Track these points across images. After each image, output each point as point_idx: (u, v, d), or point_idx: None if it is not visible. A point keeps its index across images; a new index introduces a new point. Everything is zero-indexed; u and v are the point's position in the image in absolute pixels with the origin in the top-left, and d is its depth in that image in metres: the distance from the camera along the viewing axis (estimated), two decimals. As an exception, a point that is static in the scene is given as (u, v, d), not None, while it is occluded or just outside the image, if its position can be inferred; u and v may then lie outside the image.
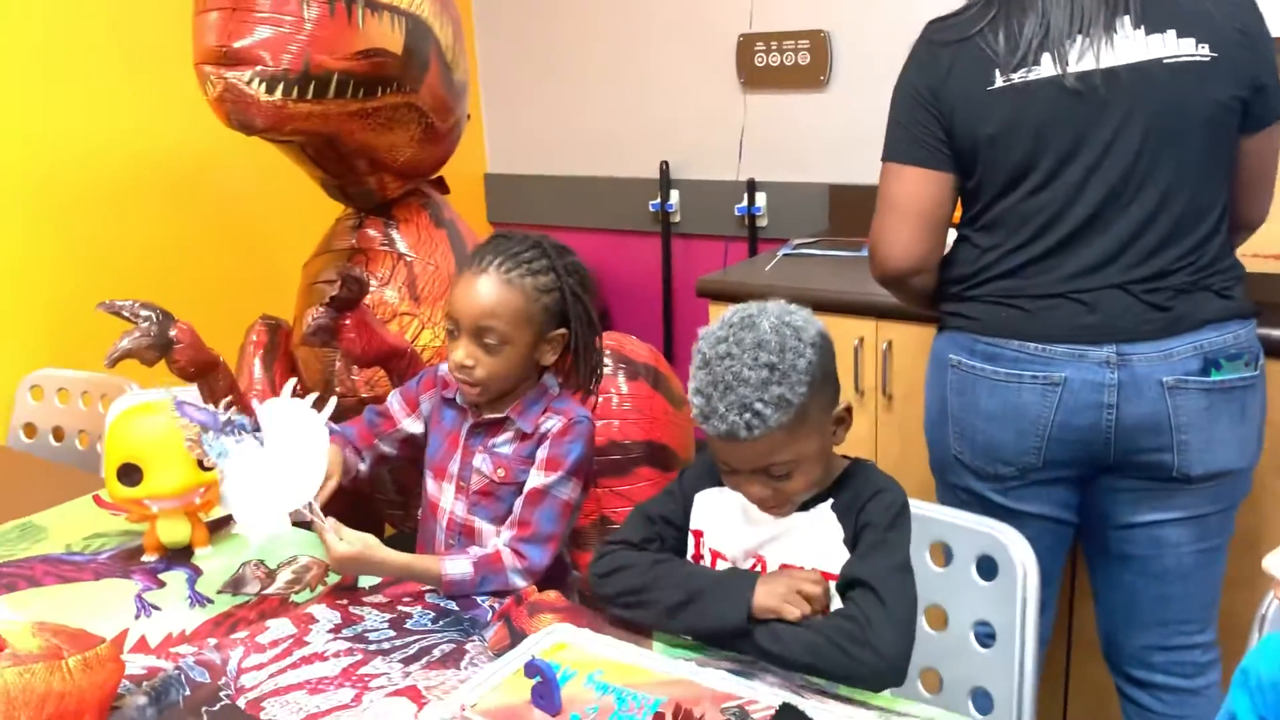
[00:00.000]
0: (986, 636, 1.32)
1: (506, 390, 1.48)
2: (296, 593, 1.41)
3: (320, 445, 1.31)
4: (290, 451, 1.32)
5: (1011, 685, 1.28)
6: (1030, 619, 1.27)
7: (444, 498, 1.53)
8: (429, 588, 1.38)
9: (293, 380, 1.46)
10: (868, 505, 1.20)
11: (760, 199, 2.93)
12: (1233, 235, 1.51)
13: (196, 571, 1.47)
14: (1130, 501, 1.50)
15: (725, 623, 1.16)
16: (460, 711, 1.01)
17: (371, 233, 1.83)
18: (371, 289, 1.77)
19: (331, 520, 1.33)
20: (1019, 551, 1.28)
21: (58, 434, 2.19)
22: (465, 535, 1.51)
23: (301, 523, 1.41)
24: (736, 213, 2.97)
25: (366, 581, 1.42)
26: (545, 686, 1.02)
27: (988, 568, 1.32)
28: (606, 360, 1.90)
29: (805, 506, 1.23)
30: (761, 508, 1.22)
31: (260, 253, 2.59)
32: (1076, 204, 1.43)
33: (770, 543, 1.25)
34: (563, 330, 1.48)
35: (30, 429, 2.22)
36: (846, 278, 2.26)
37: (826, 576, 1.21)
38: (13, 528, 1.62)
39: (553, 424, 1.46)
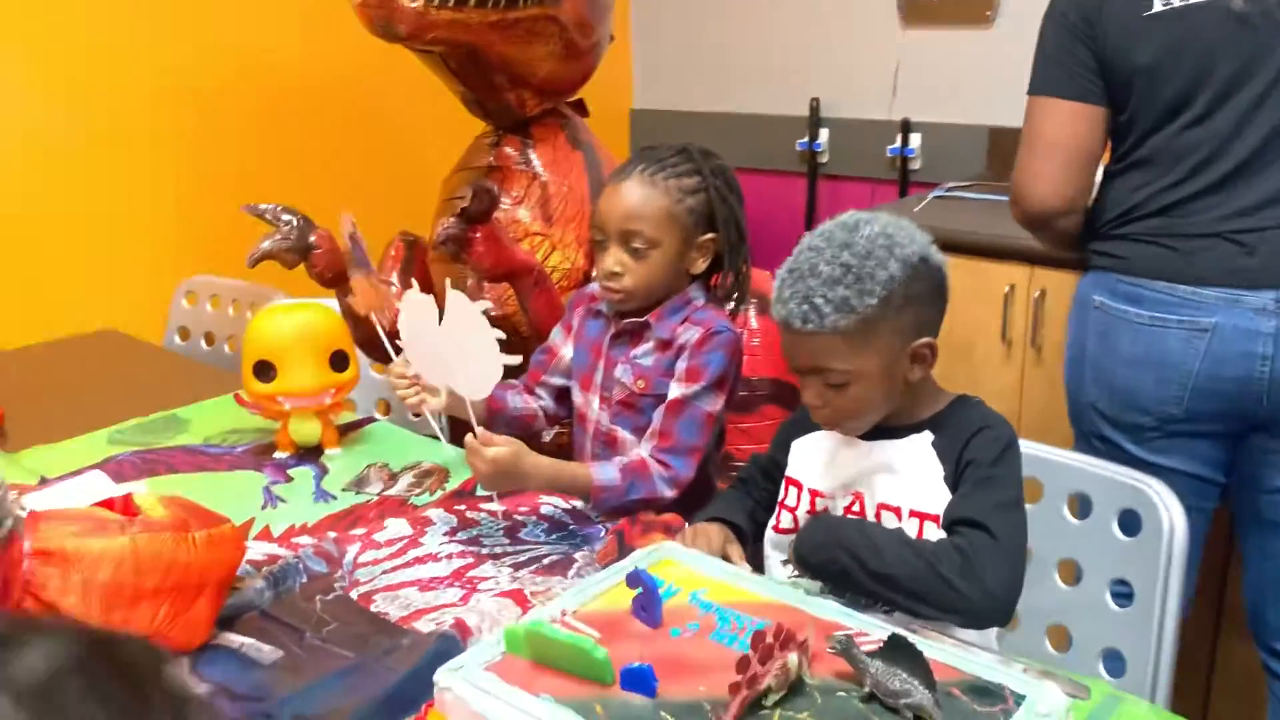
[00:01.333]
0: (1123, 597, 1.24)
1: (656, 299, 1.45)
2: (417, 495, 1.43)
3: (491, 345, 1.26)
4: (462, 340, 1.29)
5: (1148, 650, 1.20)
6: (1175, 581, 1.19)
7: (590, 408, 1.53)
8: (546, 499, 1.38)
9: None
10: (971, 442, 1.13)
11: (914, 140, 2.82)
12: None
13: (323, 469, 1.52)
14: None
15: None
16: (561, 616, 1.00)
17: (509, 151, 1.83)
18: (505, 207, 1.77)
19: (481, 430, 1.30)
20: (1166, 506, 1.19)
21: (209, 338, 2.29)
22: (609, 445, 1.50)
23: (430, 434, 1.44)
24: (888, 154, 2.86)
25: (484, 490, 1.43)
26: (647, 598, 1.00)
27: (1129, 523, 1.24)
28: None
29: (900, 436, 1.18)
30: (814, 416, 1.18)
31: (402, 169, 2.65)
32: (1239, 138, 1.32)
33: (865, 477, 1.20)
34: (711, 235, 1.45)
35: (184, 332, 2.33)
36: (1001, 222, 2.15)
37: (922, 516, 1.15)
38: (159, 419, 1.71)
39: (691, 334, 1.43)
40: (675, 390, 1.42)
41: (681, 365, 1.42)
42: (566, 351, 1.58)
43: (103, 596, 0.98)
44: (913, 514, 1.17)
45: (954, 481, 1.15)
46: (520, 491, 1.40)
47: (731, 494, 1.33)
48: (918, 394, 1.19)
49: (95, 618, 0.99)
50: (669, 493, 1.37)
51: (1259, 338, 1.32)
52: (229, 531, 1.10)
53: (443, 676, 0.92)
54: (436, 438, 1.48)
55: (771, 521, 1.28)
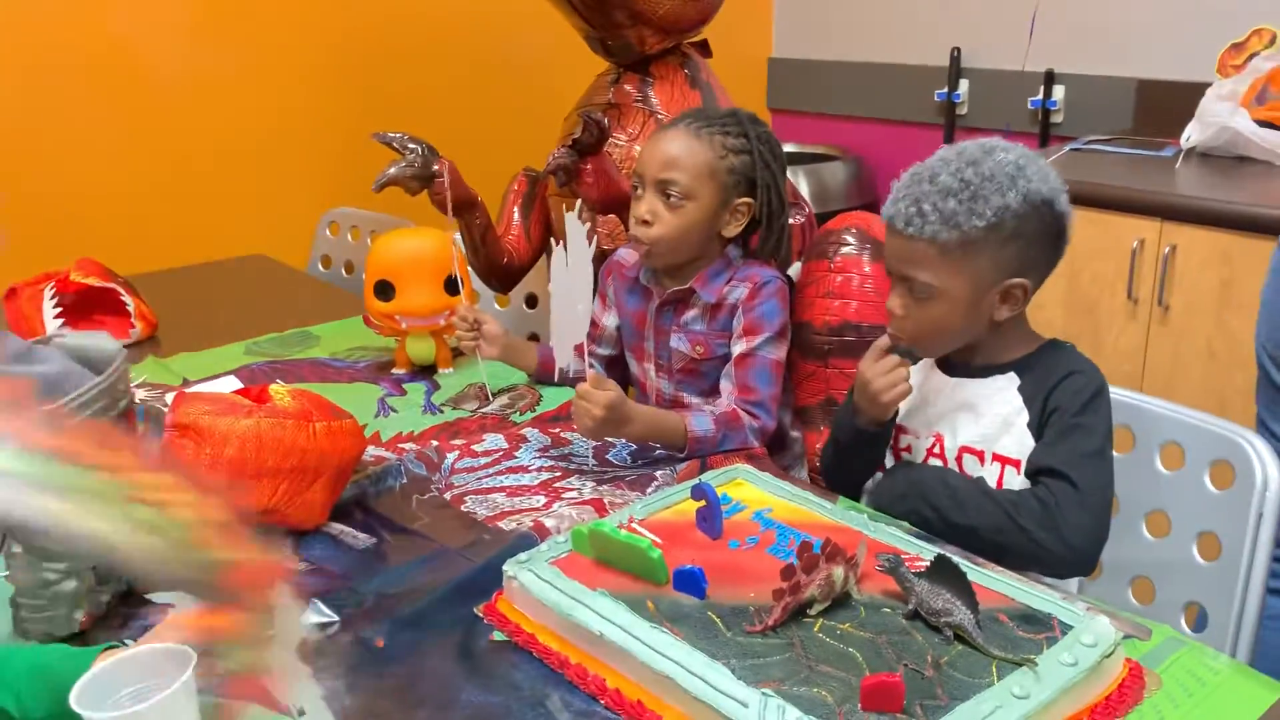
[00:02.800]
0: (1211, 549, 1.21)
1: (683, 257, 1.45)
2: (513, 414, 1.50)
3: (589, 281, 1.26)
4: (581, 278, 1.26)
5: (1230, 606, 1.17)
6: (1265, 536, 1.15)
7: (649, 376, 1.56)
8: None
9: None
10: (1058, 388, 1.12)
11: (1057, 92, 2.72)
12: None
13: (435, 386, 1.61)
14: None
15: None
16: (628, 522, 1.05)
17: (627, 88, 1.86)
18: (621, 144, 1.81)
19: (592, 373, 1.30)
20: (1261, 459, 1.15)
21: (348, 267, 2.43)
22: (676, 408, 1.52)
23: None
24: (1030, 106, 2.77)
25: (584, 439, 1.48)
26: (709, 510, 1.04)
27: (1224, 476, 1.20)
28: (850, 239, 1.84)
29: (986, 375, 1.17)
30: (891, 324, 1.18)
31: (526, 106, 2.74)
32: None
33: (948, 417, 1.20)
34: (749, 200, 1.44)
35: (326, 260, 2.48)
36: (1138, 175, 2.07)
37: (1004, 461, 1.15)
38: (293, 334, 1.84)
39: (740, 291, 1.44)
40: (738, 346, 1.43)
41: (738, 324, 1.44)
42: (609, 321, 1.60)
43: (228, 469, 1.08)
44: (995, 458, 1.17)
45: (1039, 427, 1.14)
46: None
47: None
48: (1007, 334, 1.17)
49: (220, 487, 1.10)
50: (756, 443, 1.39)
51: None
52: (349, 426, 1.18)
53: (511, 567, 0.99)
54: (484, 385, 1.54)
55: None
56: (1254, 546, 1.15)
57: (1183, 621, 1.23)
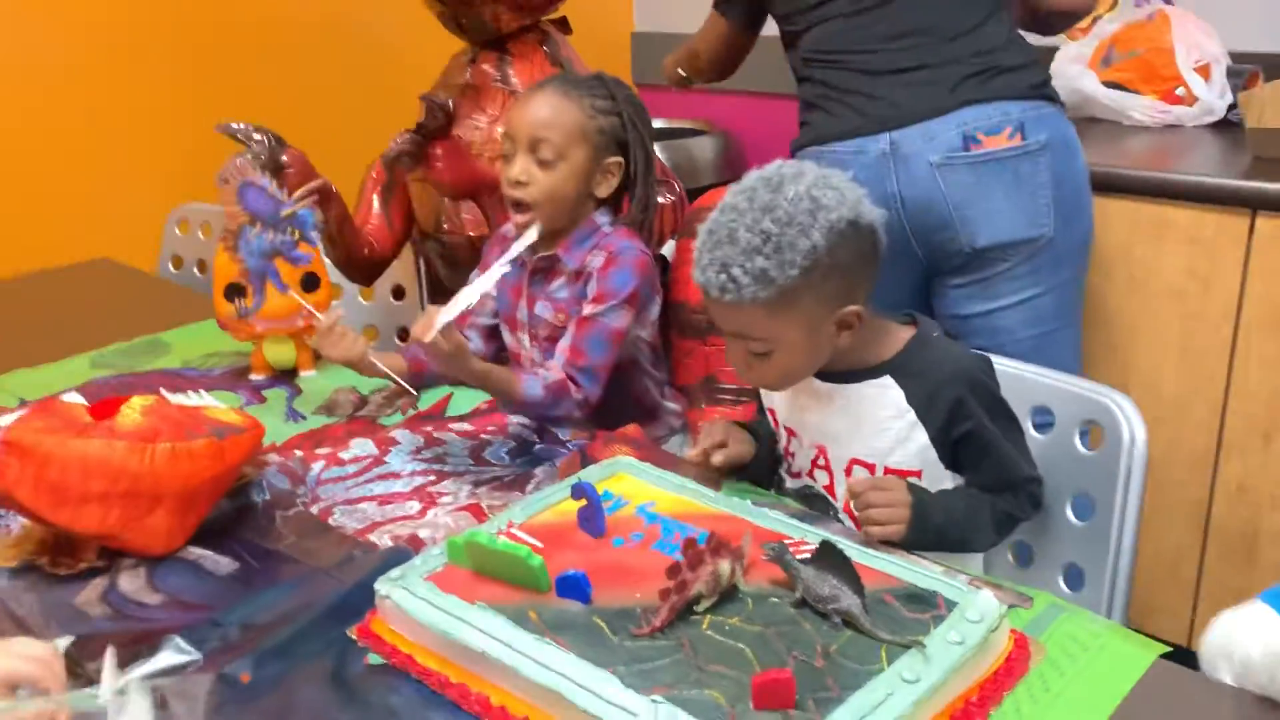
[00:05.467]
0: (1085, 509, 1.24)
1: (560, 220, 1.46)
2: (386, 416, 1.45)
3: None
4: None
5: (1105, 565, 1.20)
6: (1134, 493, 1.18)
7: (523, 346, 1.56)
8: (514, 419, 1.39)
9: None
10: (953, 409, 1.11)
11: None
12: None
13: (296, 390, 1.53)
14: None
15: None
16: (507, 528, 1.02)
17: (485, 68, 1.80)
18: (481, 125, 1.75)
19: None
20: (1127, 418, 1.18)
21: (201, 266, 2.30)
22: None
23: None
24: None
25: (455, 410, 1.45)
26: (590, 509, 1.01)
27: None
28: None
29: (858, 380, 1.15)
30: (739, 378, 1.18)
31: (382, 89, 2.61)
32: None
33: (826, 427, 1.18)
34: (619, 159, 1.46)
35: (178, 260, 2.35)
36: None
37: (901, 474, 1.14)
38: (141, 343, 1.73)
39: (598, 260, 1.46)
40: (585, 310, 1.45)
41: (591, 289, 1.45)
42: (492, 290, 1.55)
43: (50, 492, 1.00)
44: (888, 471, 1.15)
45: (938, 433, 1.13)
46: (490, 412, 1.42)
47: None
48: (866, 338, 1.14)
49: (44, 511, 1.02)
50: (578, 414, 1.41)
51: None
52: (202, 447, 1.09)
53: (383, 585, 0.94)
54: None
55: (783, 465, 1.28)
56: (1124, 504, 1.18)
57: (1061, 582, 1.25)
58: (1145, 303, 1.86)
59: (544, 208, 1.43)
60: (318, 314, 1.44)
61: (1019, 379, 1.27)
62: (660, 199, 1.56)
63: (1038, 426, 1.27)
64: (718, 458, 1.20)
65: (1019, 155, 1.51)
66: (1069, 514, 1.24)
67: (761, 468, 1.26)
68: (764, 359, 1.11)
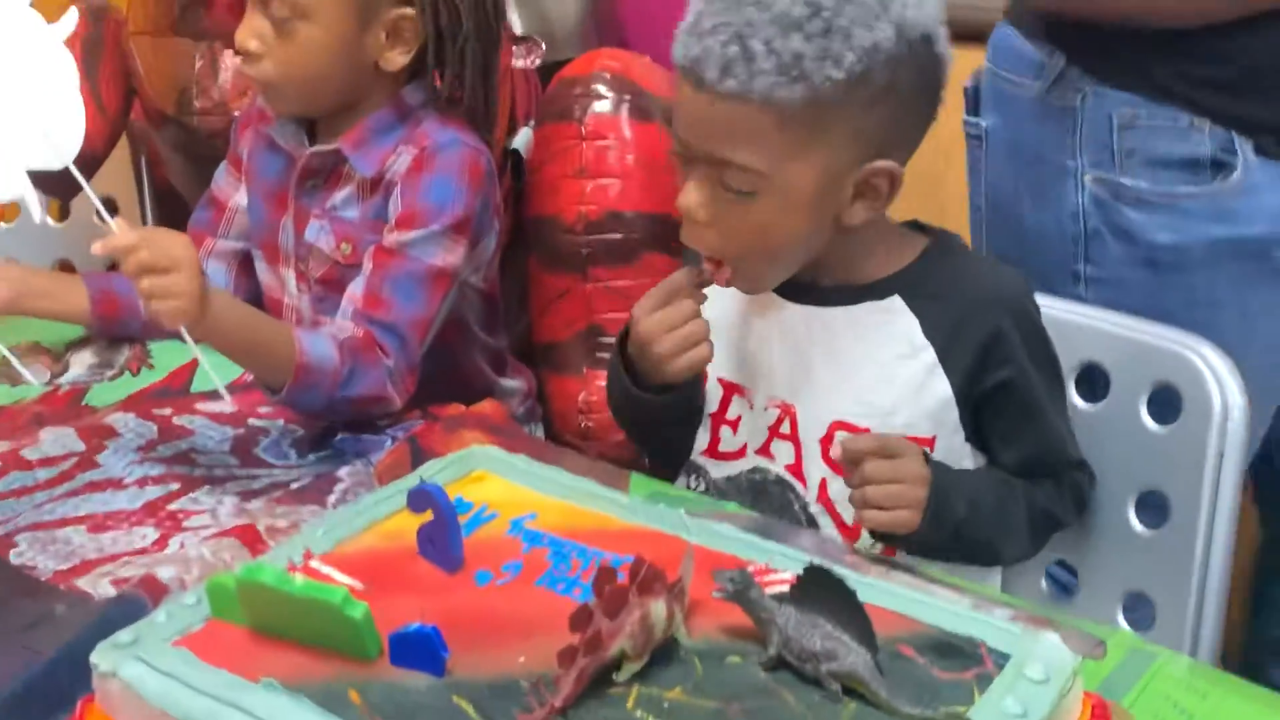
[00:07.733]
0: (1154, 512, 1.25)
1: (320, 106, 1.43)
2: (100, 383, 1.41)
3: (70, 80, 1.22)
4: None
5: (1186, 592, 1.21)
6: (1228, 488, 1.18)
7: (287, 290, 1.51)
8: None
9: None
10: (996, 344, 1.12)
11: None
12: None
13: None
14: None
15: None
16: (305, 560, 0.95)
17: None
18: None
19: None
20: (1218, 378, 1.17)
21: None
22: None
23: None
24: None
25: (203, 384, 1.38)
26: (438, 527, 0.95)
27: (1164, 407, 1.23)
28: (604, 89, 1.85)
29: (851, 302, 1.15)
30: (686, 234, 1.13)
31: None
32: None
33: (797, 373, 1.17)
34: (407, 10, 1.38)
35: None
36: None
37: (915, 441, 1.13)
38: None
39: (405, 160, 1.40)
40: (387, 238, 1.39)
41: (394, 206, 1.40)
42: (241, 199, 1.56)
43: None
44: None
45: (965, 382, 1.13)
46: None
47: None
48: (868, 238, 1.15)
49: None
50: (394, 394, 1.33)
51: None
52: None
53: (104, 656, 0.86)
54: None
55: (704, 441, 1.25)
56: (1213, 506, 1.18)
57: (1120, 618, 1.26)
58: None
59: (285, 85, 1.38)
60: None
61: (1052, 322, 1.25)
62: (518, 61, 1.51)
63: (1084, 393, 1.28)
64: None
65: None
66: (1131, 519, 1.25)
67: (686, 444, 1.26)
68: (741, 205, 1.08)
